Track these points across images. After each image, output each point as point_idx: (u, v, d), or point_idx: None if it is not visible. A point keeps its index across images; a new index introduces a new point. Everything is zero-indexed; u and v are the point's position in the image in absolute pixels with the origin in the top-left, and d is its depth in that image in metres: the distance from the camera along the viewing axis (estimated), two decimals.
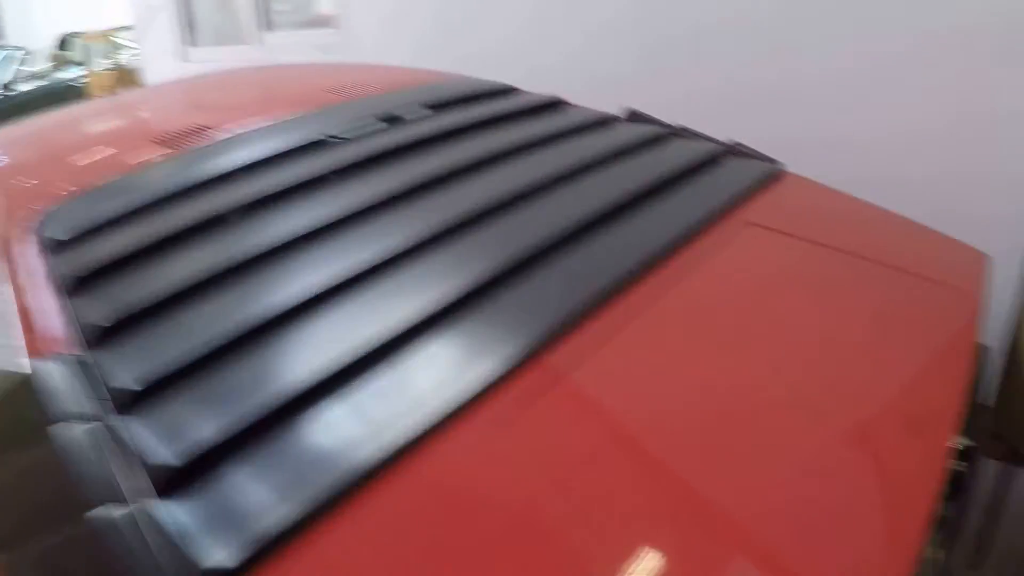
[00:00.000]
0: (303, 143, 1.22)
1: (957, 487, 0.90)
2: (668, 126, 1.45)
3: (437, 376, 0.74)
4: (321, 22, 3.66)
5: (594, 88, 1.94)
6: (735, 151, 1.36)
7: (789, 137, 1.72)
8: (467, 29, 2.92)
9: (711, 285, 0.95)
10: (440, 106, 1.44)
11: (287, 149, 1.20)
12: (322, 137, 1.25)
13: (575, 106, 1.57)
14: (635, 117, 1.50)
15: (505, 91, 1.60)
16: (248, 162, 1.16)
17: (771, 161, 1.33)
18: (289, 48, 3.81)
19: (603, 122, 1.43)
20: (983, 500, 1.64)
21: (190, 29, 4.61)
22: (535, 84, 1.70)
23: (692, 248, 1.01)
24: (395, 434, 0.66)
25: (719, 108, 2.07)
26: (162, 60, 4.73)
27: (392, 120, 1.35)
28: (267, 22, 4.01)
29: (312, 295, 0.83)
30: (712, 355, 0.82)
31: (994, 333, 1.43)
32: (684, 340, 0.84)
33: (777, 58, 2.08)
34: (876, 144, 1.93)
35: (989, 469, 1.61)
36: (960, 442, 0.91)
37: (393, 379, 0.73)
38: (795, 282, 1.00)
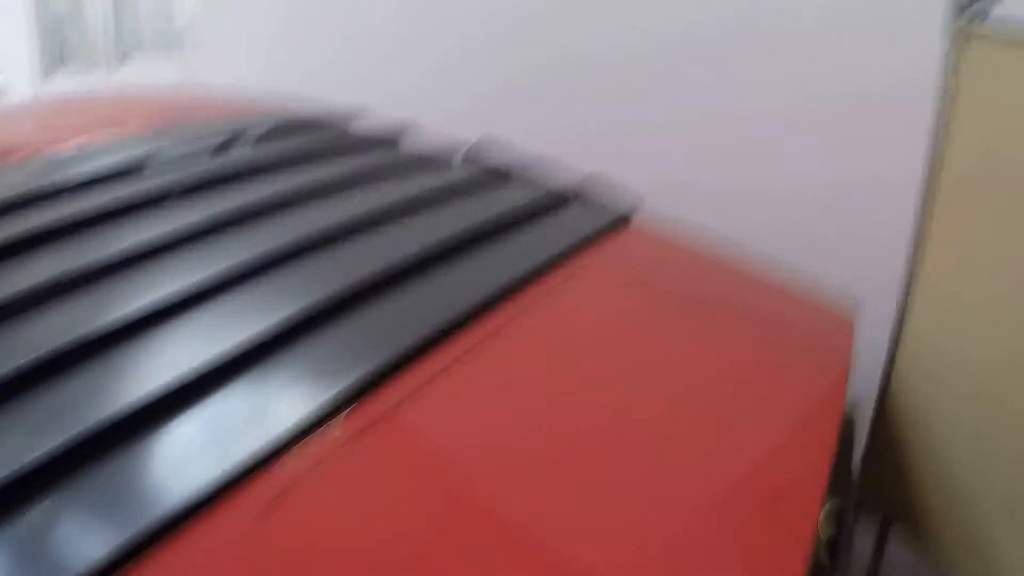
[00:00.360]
0: (80, 180, 1.07)
1: (831, 553, 0.84)
2: (511, 165, 1.32)
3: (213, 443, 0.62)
4: (183, 47, 3.56)
5: (456, 114, 1.83)
6: (583, 194, 1.24)
7: (662, 180, 1.64)
8: (327, 51, 2.82)
9: (538, 344, 0.82)
10: (253, 139, 1.28)
11: (68, 183, 1.05)
12: (105, 172, 1.09)
13: (410, 139, 1.43)
14: (479, 151, 1.37)
15: (331, 123, 1.45)
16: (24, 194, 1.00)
17: (630, 202, 1.22)
18: (147, 74, 3.68)
19: (435, 160, 1.29)
20: (861, 559, 1.57)
21: (51, 56, 4.43)
22: (393, 108, 1.57)
23: (516, 302, 0.87)
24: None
25: (587, 142, 1.98)
26: (22, 87, 4.52)
27: (184, 156, 1.17)
28: (126, 49, 3.89)
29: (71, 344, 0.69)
30: (541, 423, 0.72)
31: (862, 394, 1.36)
32: (504, 404, 0.74)
33: (657, 97, 2.01)
34: (752, 197, 1.88)
35: (864, 527, 1.55)
36: (831, 506, 0.86)
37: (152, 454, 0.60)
38: (639, 344, 0.89)
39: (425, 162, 1.28)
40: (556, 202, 1.18)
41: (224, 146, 1.22)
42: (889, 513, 1.47)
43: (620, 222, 1.16)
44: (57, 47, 4.41)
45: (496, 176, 1.24)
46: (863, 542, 1.57)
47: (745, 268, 1.17)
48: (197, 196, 1.04)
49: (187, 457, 0.59)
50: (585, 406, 0.75)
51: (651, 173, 1.73)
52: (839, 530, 0.86)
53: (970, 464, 1.27)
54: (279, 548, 0.53)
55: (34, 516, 0.52)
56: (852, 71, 1.74)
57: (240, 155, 1.19)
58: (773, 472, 0.74)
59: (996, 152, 1.18)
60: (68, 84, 4.19)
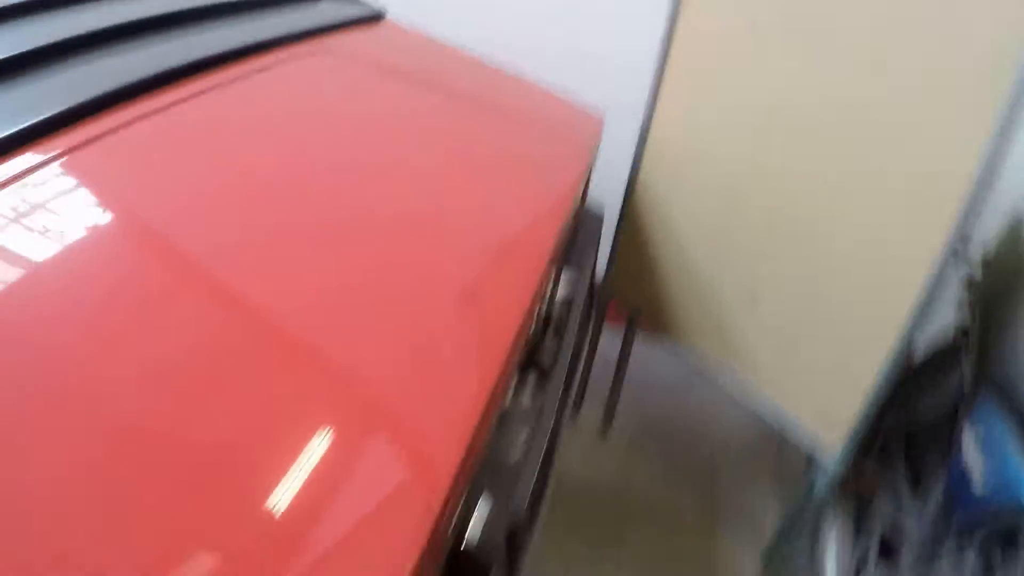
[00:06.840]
0: None
1: (555, 330, 0.85)
2: None
3: None
4: None
5: None
6: None
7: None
8: None
9: (265, 102, 0.73)
10: None
11: None
12: None
13: None
14: None
15: None
16: None
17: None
18: None
19: None
20: (609, 371, 1.71)
21: None
22: None
23: (248, 65, 0.77)
24: None
25: None
26: None
27: None
28: None
29: None
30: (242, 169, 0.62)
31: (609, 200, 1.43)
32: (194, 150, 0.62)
33: None
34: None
35: (612, 340, 1.68)
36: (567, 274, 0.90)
37: None
38: (374, 116, 0.83)
39: None
40: None
41: None
42: (635, 306, 1.57)
43: (374, 18, 1.09)
44: None
45: None
46: (611, 344, 1.67)
47: (500, 71, 1.15)
48: None
49: None
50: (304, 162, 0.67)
51: None
52: (566, 313, 0.89)
53: (710, 255, 1.36)
54: None
55: None
56: None
57: None
58: (504, 228, 0.73)
59: None
60: None
